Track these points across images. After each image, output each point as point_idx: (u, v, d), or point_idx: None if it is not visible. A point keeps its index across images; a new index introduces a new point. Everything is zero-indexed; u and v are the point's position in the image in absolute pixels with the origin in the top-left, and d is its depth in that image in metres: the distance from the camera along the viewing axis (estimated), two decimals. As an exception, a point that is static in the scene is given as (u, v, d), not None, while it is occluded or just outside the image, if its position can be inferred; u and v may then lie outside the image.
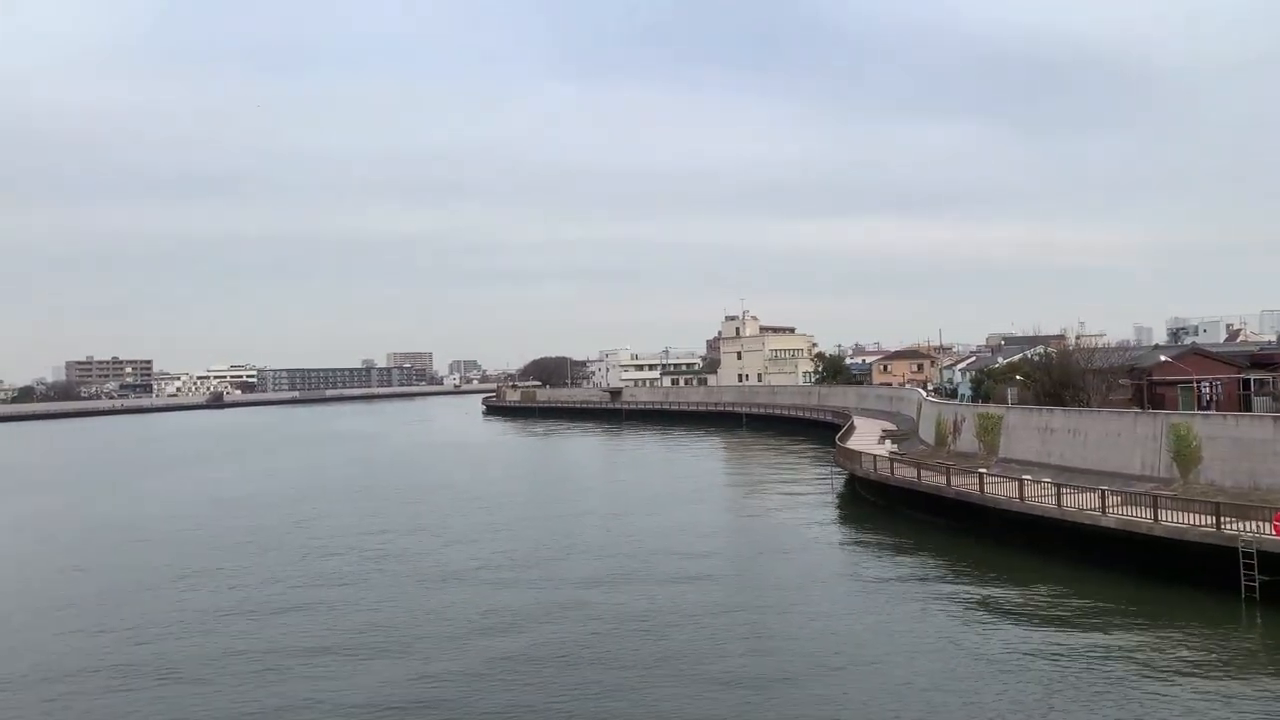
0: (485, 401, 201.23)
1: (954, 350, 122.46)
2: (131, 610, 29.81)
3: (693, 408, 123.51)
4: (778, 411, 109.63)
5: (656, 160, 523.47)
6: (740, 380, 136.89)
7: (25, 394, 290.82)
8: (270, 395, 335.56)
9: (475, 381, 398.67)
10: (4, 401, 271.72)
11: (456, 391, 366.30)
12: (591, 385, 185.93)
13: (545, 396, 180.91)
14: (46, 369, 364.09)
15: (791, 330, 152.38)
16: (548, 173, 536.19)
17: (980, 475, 38.20)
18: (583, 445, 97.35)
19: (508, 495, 56.17)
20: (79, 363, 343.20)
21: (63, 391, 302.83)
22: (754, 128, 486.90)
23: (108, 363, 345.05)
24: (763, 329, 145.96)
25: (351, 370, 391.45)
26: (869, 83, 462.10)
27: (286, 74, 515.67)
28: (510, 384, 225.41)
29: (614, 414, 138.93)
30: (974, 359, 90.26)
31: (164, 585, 33.21)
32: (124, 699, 21.50)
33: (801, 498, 51.43)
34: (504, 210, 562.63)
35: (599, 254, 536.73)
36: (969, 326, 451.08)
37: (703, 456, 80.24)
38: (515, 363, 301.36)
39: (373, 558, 37.01)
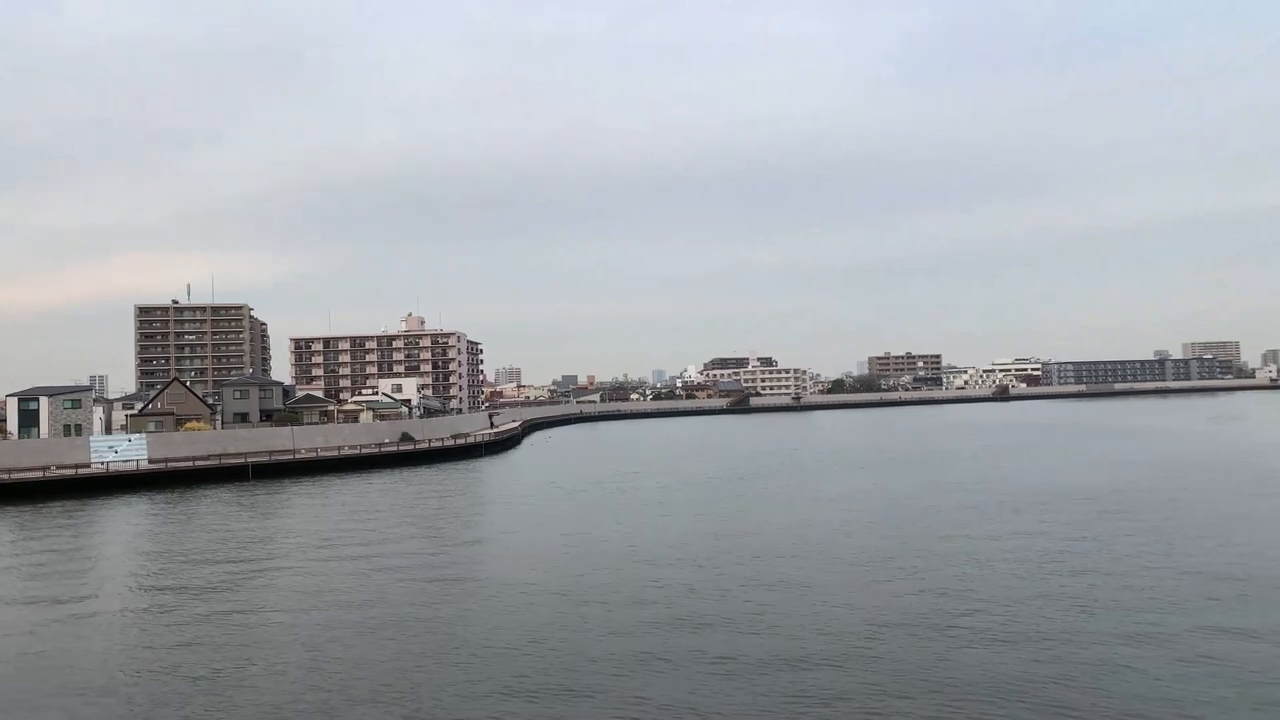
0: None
1: None
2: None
3: None
4: None
5: None
6: None
7: (837, 385, 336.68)
8: (1055, 389, 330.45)
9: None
10: (821, 392, 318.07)
11: (1273, 386, 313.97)
12: None
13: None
14: (853, 364, 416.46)
15: None
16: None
17: None
18: None
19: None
20: (878, 358, 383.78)
21: (866, 384, 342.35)
22: None
23: (902, 358, 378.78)
24: None
25: (1142, 362, 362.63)
26: None
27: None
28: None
29: None
30: None
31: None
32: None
33: None
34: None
35: None
36: None
37: None
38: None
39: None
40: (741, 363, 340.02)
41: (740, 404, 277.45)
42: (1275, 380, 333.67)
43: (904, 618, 27.79)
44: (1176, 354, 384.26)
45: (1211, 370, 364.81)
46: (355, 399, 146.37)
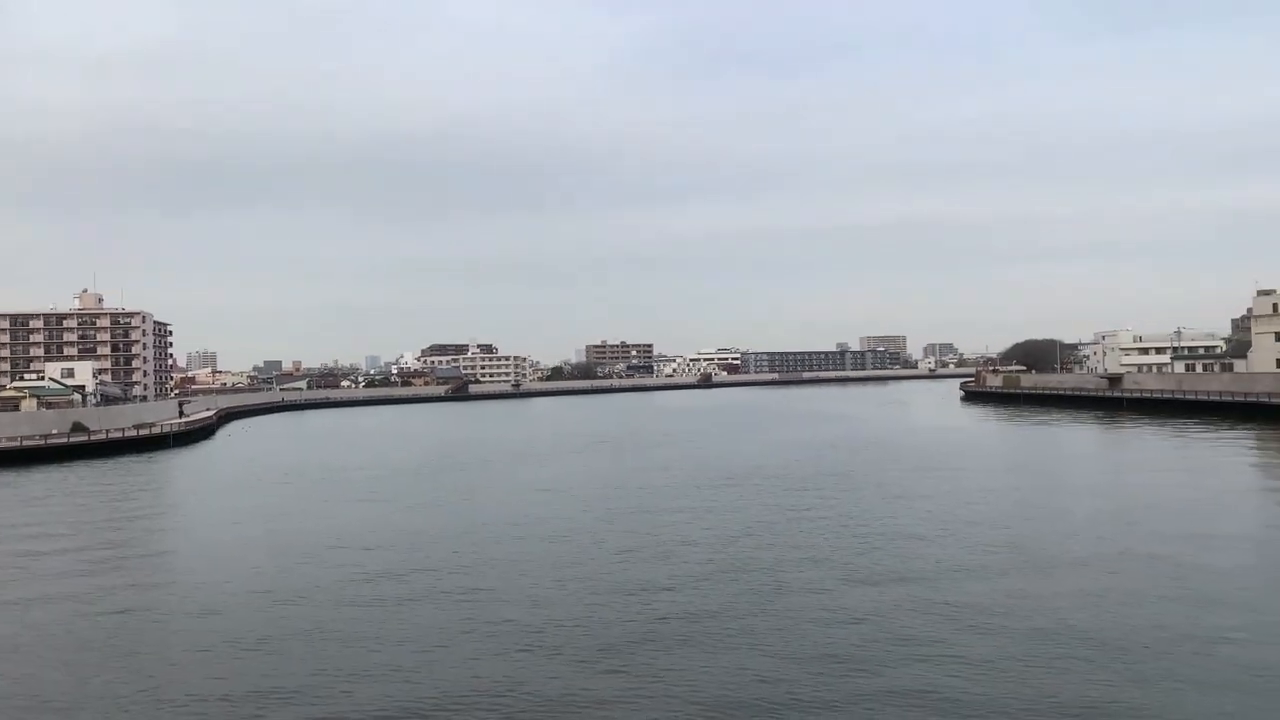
0: (963, 386, 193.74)
1: None
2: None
3: (1214, 397, 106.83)
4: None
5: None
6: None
7: (556, 373, 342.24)
8: (752, 376, 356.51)
9: (951, 365, 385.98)
10: (540, 379, 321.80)
11: (931, 375, 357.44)
12: (1085, 370, 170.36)
13: (1030, 382, 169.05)
14: (571, 351, 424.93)
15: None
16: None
17: None
18: (1075, 436, 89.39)
19: (1001, 488, 53.38)
20: (595, 346, 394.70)
21: (583, 371, 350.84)
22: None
23: (617, 347, 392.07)
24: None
25: (827, 353, 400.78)
26: None
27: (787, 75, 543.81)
28: (991, 368, 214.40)
29: (1110, 402, 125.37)
30: None
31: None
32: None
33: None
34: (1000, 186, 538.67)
35: (1084, 227, 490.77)
36: None
37: (1244, 459, 68.84)
38: (995, 346, 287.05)
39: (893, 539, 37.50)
40: (461, 349, 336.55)
41: (460, 391, 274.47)
42: (933, 370, 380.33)
43: (612, 589, 28.86)
44: (855, 346, 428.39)
45: (883, 361, 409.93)
46: (15, 385, 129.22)
